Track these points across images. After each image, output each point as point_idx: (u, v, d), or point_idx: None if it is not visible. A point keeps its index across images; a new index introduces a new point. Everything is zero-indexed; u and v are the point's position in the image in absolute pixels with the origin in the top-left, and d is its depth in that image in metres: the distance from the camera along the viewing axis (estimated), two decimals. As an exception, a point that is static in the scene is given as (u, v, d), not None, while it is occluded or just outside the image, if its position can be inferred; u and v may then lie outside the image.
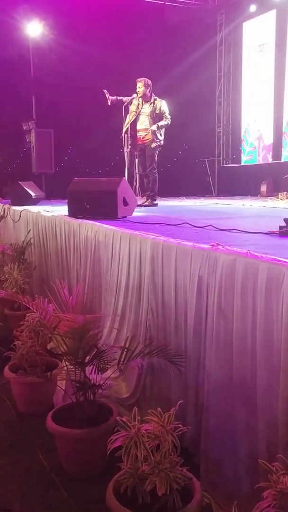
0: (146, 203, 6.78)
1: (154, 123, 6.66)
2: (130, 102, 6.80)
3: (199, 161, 12.11)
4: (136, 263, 3.02)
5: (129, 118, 6.81)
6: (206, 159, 12.15)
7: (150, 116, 6.70)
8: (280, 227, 2.96)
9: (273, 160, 11.01)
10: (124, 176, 6.64)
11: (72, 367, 2.55)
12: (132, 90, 6.79)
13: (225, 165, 12.57)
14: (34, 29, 10.15)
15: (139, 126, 6.82)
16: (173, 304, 2.60)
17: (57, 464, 2.53)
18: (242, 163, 12.12)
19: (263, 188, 9.87)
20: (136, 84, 6.73)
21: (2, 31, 9.64)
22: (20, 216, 5.79)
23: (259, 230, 3.14)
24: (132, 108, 6.79)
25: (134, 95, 6.76)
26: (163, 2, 11.10)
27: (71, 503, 2.24)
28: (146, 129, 6.74)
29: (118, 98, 6.84)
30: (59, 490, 2.33)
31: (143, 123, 6.77)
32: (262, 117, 11.41)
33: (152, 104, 6.69)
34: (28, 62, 10.52)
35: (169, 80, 9.60)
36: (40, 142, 9.65)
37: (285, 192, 8.46)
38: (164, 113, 6.69)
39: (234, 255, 2.11)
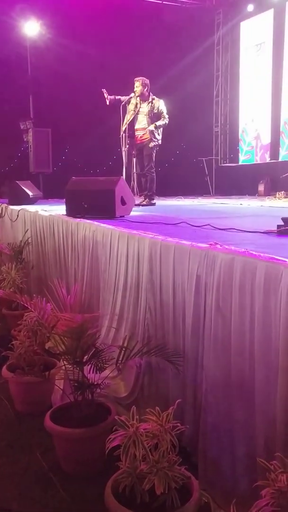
0: (144, 203, 6.78)
1: (152, 123, 6.66)
2: (128, 102, 6.79)
3: (196, 160, 12.12)
4: (134, 262, 3.02)
5: (127, 118, 6.80)
6: (204, 159, 12.17)
7: (148, 115, 6.69)
8: (278, 226, 2.97)
9: (270, 160, 11.03)
10: (122, 175, 6.63)
11: (70, 366, 2.54)
12: (130, 89, 6.78)
13: (223, 165, 12.57)
14: (32, 28, 10.15)
15: (137, 125, 6.82)
16: (171, 303, 2.60)
17: (55, 464, 2.53)
18: (240, 163, 12.13)
19: (261, 187, 9.87)
20: (134, 83, 6.73)
21: (-1, 30, 9.64)
22: (17, 216, 5.78)
23: (257, 229, 3.14)
24: (130, 107, 6.79)
25: (132, 95, 6.75)
26: (160, 2, 11.10)
27: (69, 502, 2.24)
28: (144, 129, 6.74)
29: (117, 97, 6.84)
30: (57, 489, 2.33)
31: (141, 122, 6.77)
32: (259, 116, 11.43)
33: (150, 104, 6.68)
34: (26, 61, 10.51)
35: (166, 80, 9.60)
36: (37, 142, 9.64)
37: (282, 192, 8.48)
38: (162, 112, 6.68)
39: (232, 254, 2.11)
